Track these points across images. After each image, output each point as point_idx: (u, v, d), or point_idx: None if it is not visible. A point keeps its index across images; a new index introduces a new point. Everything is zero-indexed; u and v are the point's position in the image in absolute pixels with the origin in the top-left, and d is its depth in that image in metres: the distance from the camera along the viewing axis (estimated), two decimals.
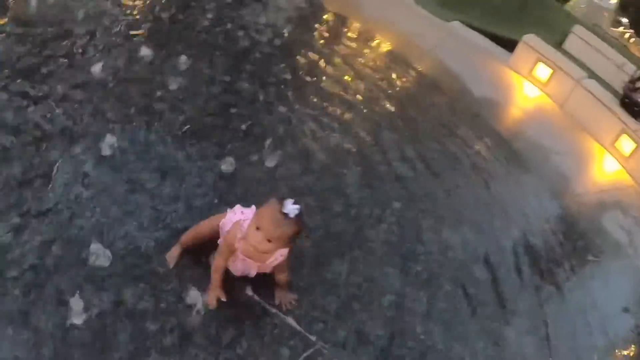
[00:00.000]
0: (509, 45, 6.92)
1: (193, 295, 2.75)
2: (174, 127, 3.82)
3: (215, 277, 2.79)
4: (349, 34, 6.40)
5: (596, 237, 4.73)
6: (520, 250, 4.10)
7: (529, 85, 6.62)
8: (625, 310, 4.12)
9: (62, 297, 2.58)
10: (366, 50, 6.14)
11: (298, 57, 5.44)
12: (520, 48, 6.66)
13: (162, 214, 3.16)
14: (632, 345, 3.84)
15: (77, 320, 2.52)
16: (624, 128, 5.90)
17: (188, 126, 3.86)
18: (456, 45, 6.76)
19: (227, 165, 3.62)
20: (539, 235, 4.38)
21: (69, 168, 3.25)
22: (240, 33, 5.39)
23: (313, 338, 2.81)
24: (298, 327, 2.83)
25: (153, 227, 3.06)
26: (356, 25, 6.64)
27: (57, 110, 3.61)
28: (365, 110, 4.96)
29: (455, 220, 4.08)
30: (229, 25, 5.42)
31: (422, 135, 4.95)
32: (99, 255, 2.79)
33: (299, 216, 2.53)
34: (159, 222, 3.10)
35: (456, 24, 7.18)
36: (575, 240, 4.58)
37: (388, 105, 5.26)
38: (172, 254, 2.92)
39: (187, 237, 2.94)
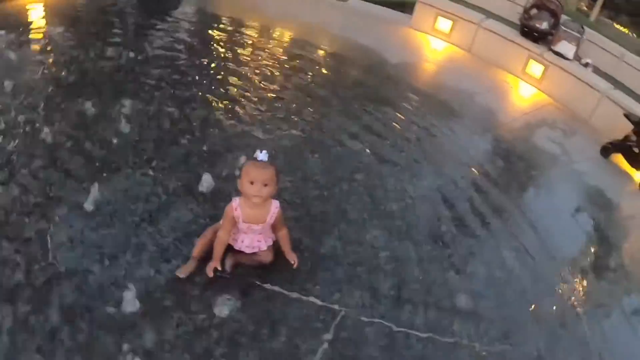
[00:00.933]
0: (407, 8, 7.41)
1: (222, 305, 3.02)
2: (141, 167, 3.97)
3: (218, 249, 3.15)
4: (255, 36, 6.66)
5: (533, 154, 5.33)
6: (474, 182, 4.66)
7: (435, 40, 7.15)
8: (578, 209, 4.75)
9: (109, 350, 2.71)
10: (278, 49, 6.45)
11: (221, 71, 5.65)
12: (418, 8, 7.14)
13: (165, 246, 3.34)
14: (595, 237, 4.48)
15: None
16: (530, 54, 6.54)
17: (154, 163, 4.03)
18: (360, 21, 7.16)
19: (205, 186, 3.87)
20: (485, 165, 4.96)
21: (62, 232, 3.30)
22: (159, 62, 5.53)
23: (336, 307, 3.17)
24: (320, 302, 3.17)
25: (163, 260, 3.24)
26: (256, 24, 6.91)
27: (28, 185, 3.62)
28: (301, 104, 5.30)
29: (413, 175, 4.56)
30: (142, 57, 5.54)
31: (357, 110, 5.37)
32: (126, 302, 2.93)
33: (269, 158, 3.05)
34: (166, 255, 3.28)
35: (353, 2, 7.58)
36: (515, 161, 5.17)
37: (319, 92, 5.62)
38: (183, 269, 3.17)
39: (197, 248, 3.23)
